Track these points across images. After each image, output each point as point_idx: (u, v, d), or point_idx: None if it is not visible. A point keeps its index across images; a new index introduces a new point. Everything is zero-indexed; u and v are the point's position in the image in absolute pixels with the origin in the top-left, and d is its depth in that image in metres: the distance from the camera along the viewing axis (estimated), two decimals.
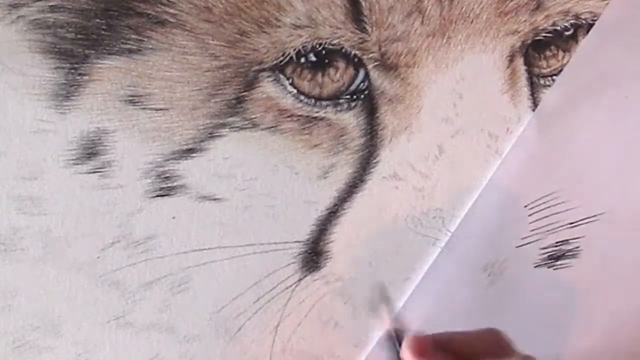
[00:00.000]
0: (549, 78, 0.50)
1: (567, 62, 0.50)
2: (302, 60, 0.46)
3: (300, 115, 0.47)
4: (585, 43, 0.50)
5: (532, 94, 0.50)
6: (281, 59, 0.45)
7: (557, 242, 0.50)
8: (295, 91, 0.46)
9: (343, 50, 0.46)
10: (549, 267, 0.50)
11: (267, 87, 0.46)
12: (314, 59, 0.46)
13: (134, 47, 0.44)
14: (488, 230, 0.50)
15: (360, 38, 0.46)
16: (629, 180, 0.50)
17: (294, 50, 0.45)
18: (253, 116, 0.46)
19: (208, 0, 0.44)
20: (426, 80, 0.48)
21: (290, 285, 0.49)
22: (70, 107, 0.44)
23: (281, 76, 0.46)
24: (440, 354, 0.42)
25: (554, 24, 0.49)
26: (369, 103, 0.47)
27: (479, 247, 0.50)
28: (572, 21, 0.49)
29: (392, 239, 0.50)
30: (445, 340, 0.43)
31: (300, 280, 0.49)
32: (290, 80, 0.46)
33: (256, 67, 0.45)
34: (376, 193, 0.49)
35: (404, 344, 0.43)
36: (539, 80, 0.50)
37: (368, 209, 0.49)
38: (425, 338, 0.42)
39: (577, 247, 0.50)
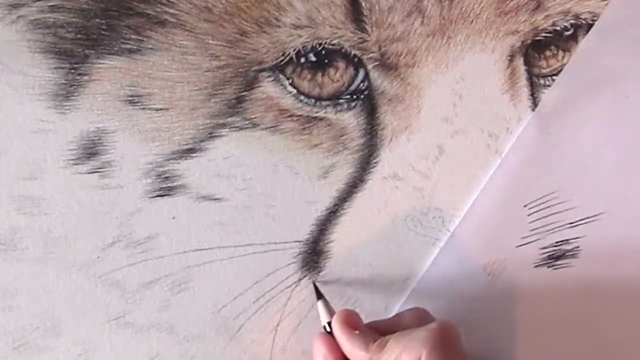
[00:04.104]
0: (549, 78, 0.50)
1: (567, 62, 0.50)
2: (302, 60, 0.46)
3: (300, 115, 0.47)
4: (585, 43, 0.50)
5: (532, 94, 0.50)
6: (281, 59, 0.45)
7: (557, 242, 0.50)
8: (295, 91, 0.46)
9: (343, 50, 0.46)
10: (549, 267, 0.50)
11: (267, 87, 0.46)
12: (314, 59, 0.46)
13: (134, 47, 0.44)
14: (488, 230, 0.50)
15: (360, 38, 0.46)
16: (629, 180, 0.50)
17: (294, 50, 0.45)
18: (253, 116, 0.46)
19: (208, 0, 0.44)
20: (426, 80, 0.48)
21: (290, 285, 0.49)
22: (70, 107, 0.44)
23: (281, 76, 0.46)
24: (366, 327, 0.45)
25: (554, 24, 0.49)
26: (369, 103, 0.47)
27: (479, 247, 0.50)
28: (572, 21, 0.49)
29: (392, 239, 0.50)
30: (373, 324, 0.46)
31: (300, 280, 0.49)
32: (290, 80, 0.46)
33: (256, 67, 0.45)
34: (376, 193, 0.49)
35: (335, 317, 0.45)
36: (538, 80, 0.50)
37: (368, 209, 0.49)
38: (354, 312, 0.45)
39: (577, 247, 0.50)
